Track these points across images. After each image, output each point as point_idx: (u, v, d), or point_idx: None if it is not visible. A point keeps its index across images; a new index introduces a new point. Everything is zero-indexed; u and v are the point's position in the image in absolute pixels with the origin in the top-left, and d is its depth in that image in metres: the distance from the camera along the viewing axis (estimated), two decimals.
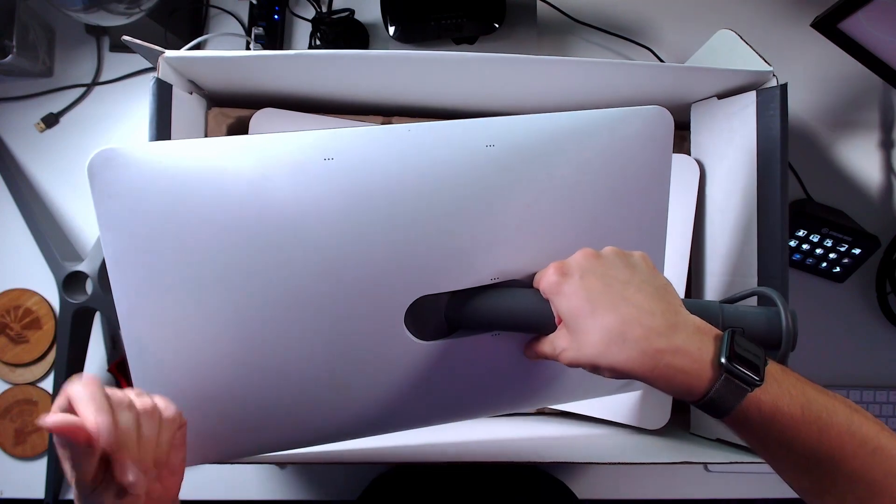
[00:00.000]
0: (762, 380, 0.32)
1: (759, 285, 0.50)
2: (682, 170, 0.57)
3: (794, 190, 0.72)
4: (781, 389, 0.32)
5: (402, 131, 0.38)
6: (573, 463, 0.65)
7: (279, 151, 0.37)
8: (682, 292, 0.57)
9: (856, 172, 0.74)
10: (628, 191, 0.43)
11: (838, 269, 0.70)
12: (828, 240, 0.68)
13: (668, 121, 0.42)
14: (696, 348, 0.33)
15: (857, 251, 0.69)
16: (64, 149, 0.70)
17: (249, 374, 0.39)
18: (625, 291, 0.35)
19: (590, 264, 0.36)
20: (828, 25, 0.58)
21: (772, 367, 0.33)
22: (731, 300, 0.40)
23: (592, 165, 0.42)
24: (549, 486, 0.64)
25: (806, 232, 0.68)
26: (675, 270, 0.57)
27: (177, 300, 0.37)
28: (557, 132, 0.41)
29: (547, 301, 0.37)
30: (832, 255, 0.69)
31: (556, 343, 0.37)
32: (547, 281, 0.37)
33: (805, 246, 0.69)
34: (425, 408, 0.44)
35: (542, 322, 0.39)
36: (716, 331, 0.34)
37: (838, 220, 0.69)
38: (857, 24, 0.57)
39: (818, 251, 0.69)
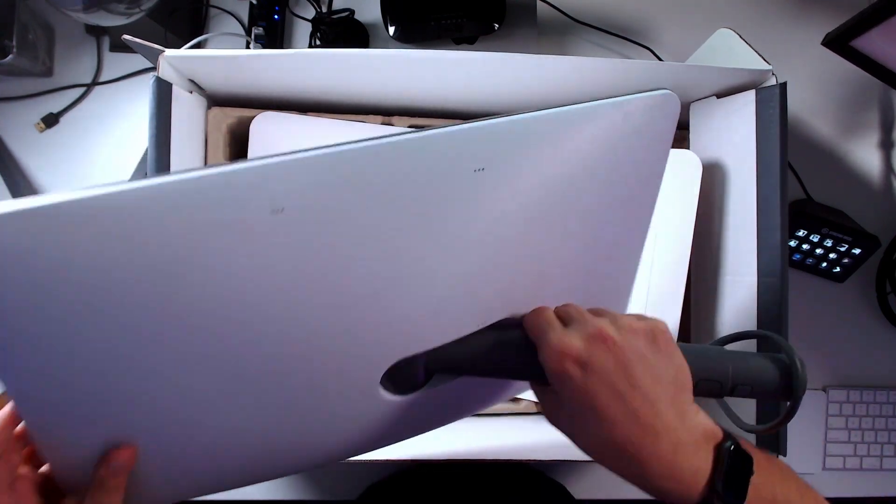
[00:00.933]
0: (744, 499, 0.32)
1: (758, 284, 0.50)
2: (684, 166, 0.57)
3: (794, 190, 0.72)
4: (755, 498, 0.33)
5: (367, 158, 0.29)
6: (572, 461, 0.65)
7: (208, 209, 0.26)
8: (681, 292, 0.57)
9: (856, 172, 0.74)
10: (627, 192, 0.39)
11: (838, 269, 0.70)
12: (828, 240, 0.68)
13: (676, 107, 0.37)
14: (691, 472, 0.32)
15: (857, 251, 0.69)
16: (64, 149, 0.70)
17: (192, 442, 0.32)
18: (632, 400, 0.32)
19: (597, 357, 0.32)
20: (840, 44, 0.58)
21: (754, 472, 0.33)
22: (735, 337, 0.40)
23: (598, 170, 0.36)
24: (547, 487, 0.64)
25: (806, 232, 0.68)
26: (676, 269, 0.57)
27: (94, 393, 0.28)
28: (558, 135, 0.33)
29: (536, 352, 0.34)
30: (832, 255, 0.69)
31: (547, 410, 0.35)
32: (548, 361, 0.33)
33: (805, 246, 0.69)
34: (399, 434, 0.41)
35: (533, 375, 0.36)
36: (719, 435, 0.33)
37: (838, 220, 0.69)
38: (871, 42, 0.57)
39: (818, 251, 0.69)
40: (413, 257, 0.32)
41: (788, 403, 0.37)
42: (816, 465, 0.71)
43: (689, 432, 0.32)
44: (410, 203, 0.30)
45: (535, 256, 0.36)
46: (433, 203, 0.31)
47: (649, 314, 0.58)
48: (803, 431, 0.71)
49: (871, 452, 0.71)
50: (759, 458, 0.34)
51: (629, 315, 0.35)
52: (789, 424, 0.48)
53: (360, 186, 0.29)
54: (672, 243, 0.57)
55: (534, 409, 0.62)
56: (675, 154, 0.58)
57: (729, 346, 0.40)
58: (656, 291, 0.58)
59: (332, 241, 0.29)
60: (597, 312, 0.35)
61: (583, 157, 0.34)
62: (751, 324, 0.51)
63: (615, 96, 0.33)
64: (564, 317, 0.34)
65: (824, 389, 0.72)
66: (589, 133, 0.33)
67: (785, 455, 0.48)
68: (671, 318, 0.57)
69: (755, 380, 0.37)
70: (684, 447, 0.32)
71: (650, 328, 0.33)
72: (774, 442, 0.49)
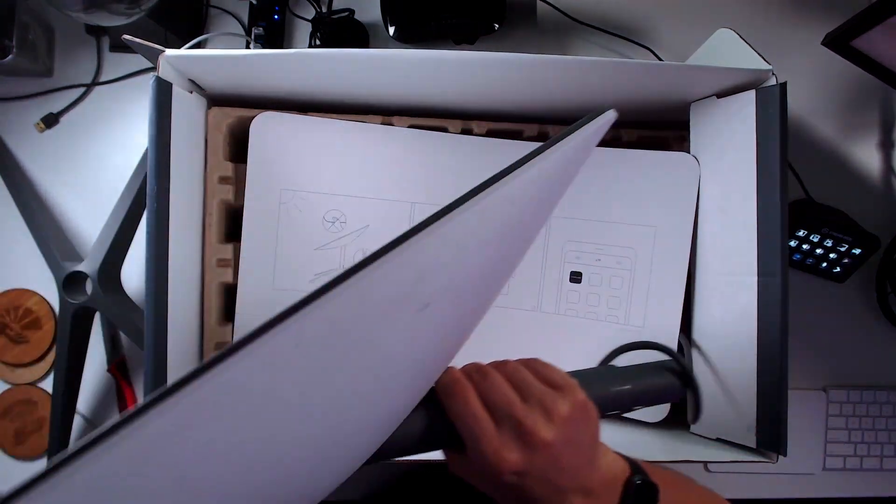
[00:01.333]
0: None
1: (758, 284, 0.50)
2: (682, 168, 0.57)
3: (794, 190, 0.72)
4: None
5: (285, 350, 0.20)
6: None
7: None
8: (681, 293, 0.57)
9: (856, 172, 0.74)
10: (546, 215, 0.36)
11: (838, 269, 0.70)
12: (828, 240, 0.68)
13: (611, 121, 0.32)
14: None
15: (857, 251, 0.69)
16: (64, 149, 0.70)
17: None
18: (558, 481, 0.33)
19: (536, 465, 0.32)
20: (840, 44, 0.58)
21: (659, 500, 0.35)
22: (626, 348, 0.44)
23: (532, 222, 0.32)
24: None
25: (806, 232, 0.68)
26: (675, 271, 0.57)
27: None
28: (499, 218, 0.27)
29: (449, 421, 0.34)
30: (832, 255, 0.69)
31: (453, 463, 0.35)
32: (486, 472, 0.33)
33: (805, 246, 0.69)
34: None
35: (451, 446, 0.35)
36: (627, 471, 0.35)
37: (838, 220, 0.69)
38: (871, 42, 0.57)
39: (818, 251, 0.69)
40: (357, 411, 0.27)
41: (690, 398, 0.42)
42: (816, 465, 0.71)
43: (598, 479, 0.34)
44: (348, 373, 0.24)
45: (462, 328, 0.34)
46: (374, 367, 0.26)
47: (650, 316, 0.58)
48: (803, 431, 0.71)
49: (871, 452, 0.71)
50: (668, 480, 0.36)
51: (550, 387, 0.34)
52: (789, 425, 0.48)
53: (281, 389, 0.22)
54: (671, 245, 0.57)
55: None
56: (673, 157, 0.58)
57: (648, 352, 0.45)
58: (656, 293, 0.58)
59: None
60: (520, 385, 0.34)
61: (522, 221, 0.30)
62: (751, 324, 0.51)
63: (561, 137, 0.27)
64: (491, 406, 0.33)
65: (824, 389, 0.72)
66: (529, 196, 0.29)
67: (785, 455, 0.48)
68: (671, 319, 0.57)
69: (651, 392, 0.41)
70: (594, 492, 0.34)
71: (575, 407, 0.33)
72: (775, 443, 0.49)
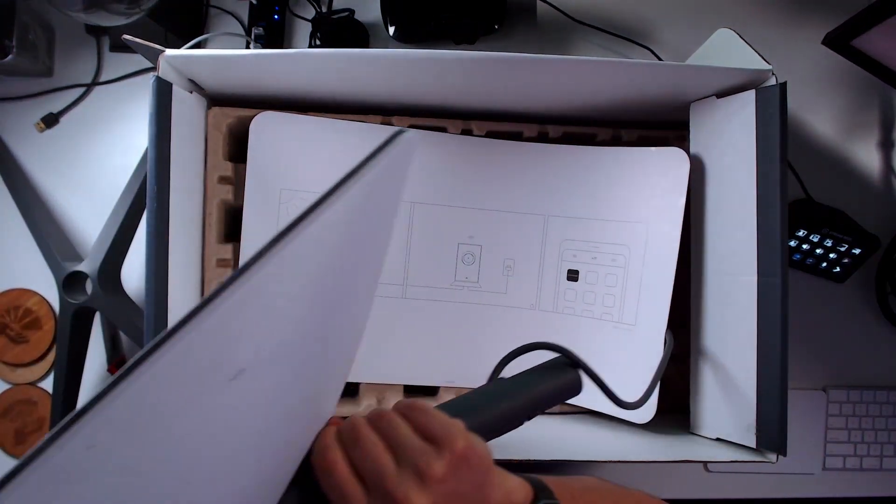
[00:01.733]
0: None
1: (758, 283, 0.50)
2: (670, 162, 0.57)
3: (794, 190, 0.72)
4: None
5: (75, 459, 0.19)
6: (571, 461, 0.65)
7: None
8: (670, 286, 0.56)
9: (856, 172, 0.74)
10: (380, 242, 0.34)
11: (838, 269, 0.70)
12: (828, 240, 0.68)
13: (417, 143, 0.32)
14: None
15: (857, 251, 0.69)
16: (64, 149, 0.71)
17: None
18: None
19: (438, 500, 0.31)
20: (840, 43, 0.58)
21: None
22: (516, 353, 0.43)
23: (358, 251, 0.31)
24: None
25: (806, 232, 0.68)
26: (665, 263, 0.57)
27: None
28: (316, 255, 0.26)
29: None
30: (832, 255, 0.69)
31: None
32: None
33: (805, 246, 0.69)
34: None
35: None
36: (530, 495, 0.34)
37: (838, 220, 0.69)
38: (871, 41, 0.57)
39: (818, 251, 0.69)
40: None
41: (593, 381, 0.41)
42: (816, 465, 0.71)
43: None
44: (168, 465, 0.23)
45: (317, 383, 0.32)
46: (199, 452, 0.24)
47: (641, 312, 0.58)
48: (803, 431, 0.71)
49: (871, 452, 0.71)
50: (576, 494, 0.36)
51: (427, 440, 0.32)
52: (789, 425, 0.48)
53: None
54: (661, 239, 0.57)
55: None
56: (663, 152, 0.58)
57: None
58: (648, 288, 0.57)
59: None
60: (394, 444, 0.31)
61: (345, 260, 0.29)
62: (751, 324, 0.51)
63: (359, 167, 0.26)
64: (362, 475, 0.31)
65: (824, 389, 0.72)
66: (342, 232, 0.27)
67: (785, 455, 0.48)
68: (659, 314, 0.57)
69: (549, 394, 0.40)
70: None
71: (452, 463, 0.31)
72: (775, 443, 0.49)
